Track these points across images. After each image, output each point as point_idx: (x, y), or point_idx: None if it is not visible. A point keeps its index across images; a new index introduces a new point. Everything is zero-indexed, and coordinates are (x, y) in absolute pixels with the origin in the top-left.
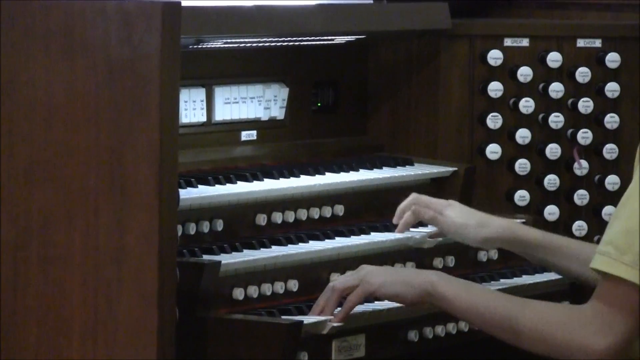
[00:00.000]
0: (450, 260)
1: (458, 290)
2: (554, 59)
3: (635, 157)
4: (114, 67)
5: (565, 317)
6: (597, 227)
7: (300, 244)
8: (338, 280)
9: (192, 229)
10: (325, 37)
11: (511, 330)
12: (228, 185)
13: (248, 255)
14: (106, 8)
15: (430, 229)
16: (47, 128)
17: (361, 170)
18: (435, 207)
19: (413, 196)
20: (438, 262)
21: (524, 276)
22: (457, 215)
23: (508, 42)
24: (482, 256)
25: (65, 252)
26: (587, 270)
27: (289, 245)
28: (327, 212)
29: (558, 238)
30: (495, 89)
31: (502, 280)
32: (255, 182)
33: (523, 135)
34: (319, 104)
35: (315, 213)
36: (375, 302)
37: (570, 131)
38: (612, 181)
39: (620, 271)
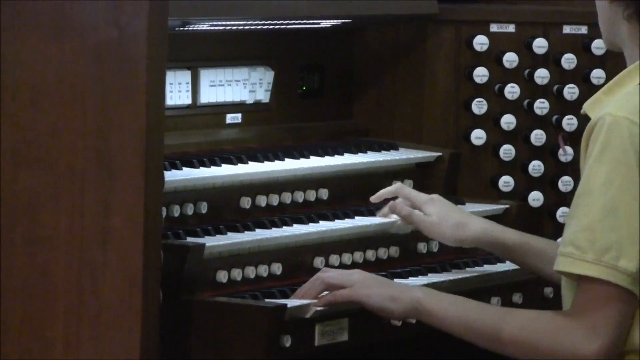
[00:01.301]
0: (434, 245)
1: (445, 305)
2: (540, 45)
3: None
4: (102, 48)
5: (551, 325)
6: None
7: (284, 227)
8: (328, 275)
9: (176, 211)
10: (312, 21)
11: (496, 340)
12: (213, 167)
13: (232, 238)
14: None
15: None
16: (34, 109)
17: (346, 155)
18: (415, 201)
19: (397, 185)
20: (422, 246)
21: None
22: (435, 213)
23: (494, 27)
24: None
25: (50, 233)
26: None
27: (273, 229)
28: (311, 196)
29: (538, 240)
30: (480, 74)
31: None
32: (240, 165)
33: (508, 121)
34: (304, 88)
35: (299, 197)
36: None
37: (555, 117)
38: None
39: (585, 270)
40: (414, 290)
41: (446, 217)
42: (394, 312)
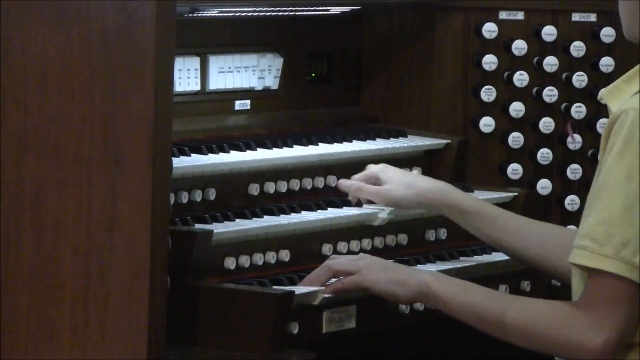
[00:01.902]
0: (442, 233)
1: (453, 290)
2: (549, 32)
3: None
4: (109, 35)
5: (558, 315)
6: None
7: (292, 214)
8: (337, 262)
9: (184, 197)
10: (321, 8)
11: (501, 327)
12: (221, 154)
13: (240, 225)
14: None
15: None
16: (41, 95)
17: (354, 142)
18: (371, 175)
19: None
20: (430, 234)
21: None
22: (389, 179)
23: (503, 15)
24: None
25: (57, 219)
26: (519, 244)
27: (281, 216)
28: (319, 182)
29: (494, 209)
30: (489, 61)
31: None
32: (249, 152)
33: (517, 109)
34: (313, 75)
35: (307, 183)
36: None
37: (564, 105)
38: None
39: (602, 264)
40: (421, 274)
41: (399, 181)
42: (402, 296)
